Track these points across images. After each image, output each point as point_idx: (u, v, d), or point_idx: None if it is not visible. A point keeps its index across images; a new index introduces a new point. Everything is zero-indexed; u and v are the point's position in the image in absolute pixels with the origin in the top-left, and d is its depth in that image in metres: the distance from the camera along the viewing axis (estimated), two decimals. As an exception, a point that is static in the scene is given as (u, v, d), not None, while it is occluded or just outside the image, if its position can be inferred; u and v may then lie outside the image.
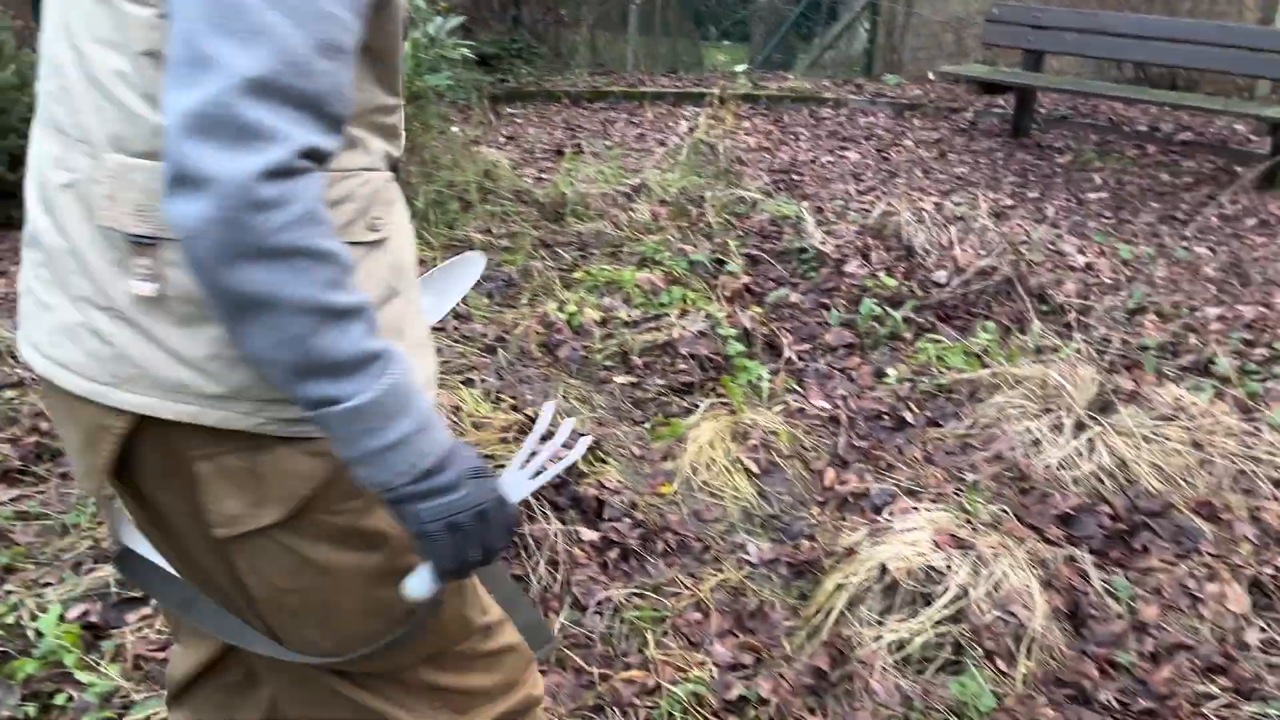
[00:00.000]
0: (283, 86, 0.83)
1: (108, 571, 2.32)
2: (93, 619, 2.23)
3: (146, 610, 2.25)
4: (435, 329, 3.59)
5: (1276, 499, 2.74)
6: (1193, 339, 3.91)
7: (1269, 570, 2.48)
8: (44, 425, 3.03)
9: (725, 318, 3.47)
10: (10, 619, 2.20)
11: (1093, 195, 6.17)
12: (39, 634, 2.16)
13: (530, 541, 2.44)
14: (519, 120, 7.53)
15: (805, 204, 5.20)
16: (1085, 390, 2.98)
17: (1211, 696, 2.11)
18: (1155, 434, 2.88)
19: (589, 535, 2.45)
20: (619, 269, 4.00)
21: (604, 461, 2.76)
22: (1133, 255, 4.92)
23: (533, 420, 2.81)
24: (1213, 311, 4.21)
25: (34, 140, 1.06)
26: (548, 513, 2.50)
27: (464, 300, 3.72)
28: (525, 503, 2.52)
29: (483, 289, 3.88)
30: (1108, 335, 3.80)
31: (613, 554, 2.44)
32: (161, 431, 1.02)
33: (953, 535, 2.35)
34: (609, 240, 4.32)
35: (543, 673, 2.17)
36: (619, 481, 2.67)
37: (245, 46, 0.81)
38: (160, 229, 0.94)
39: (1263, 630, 2.31)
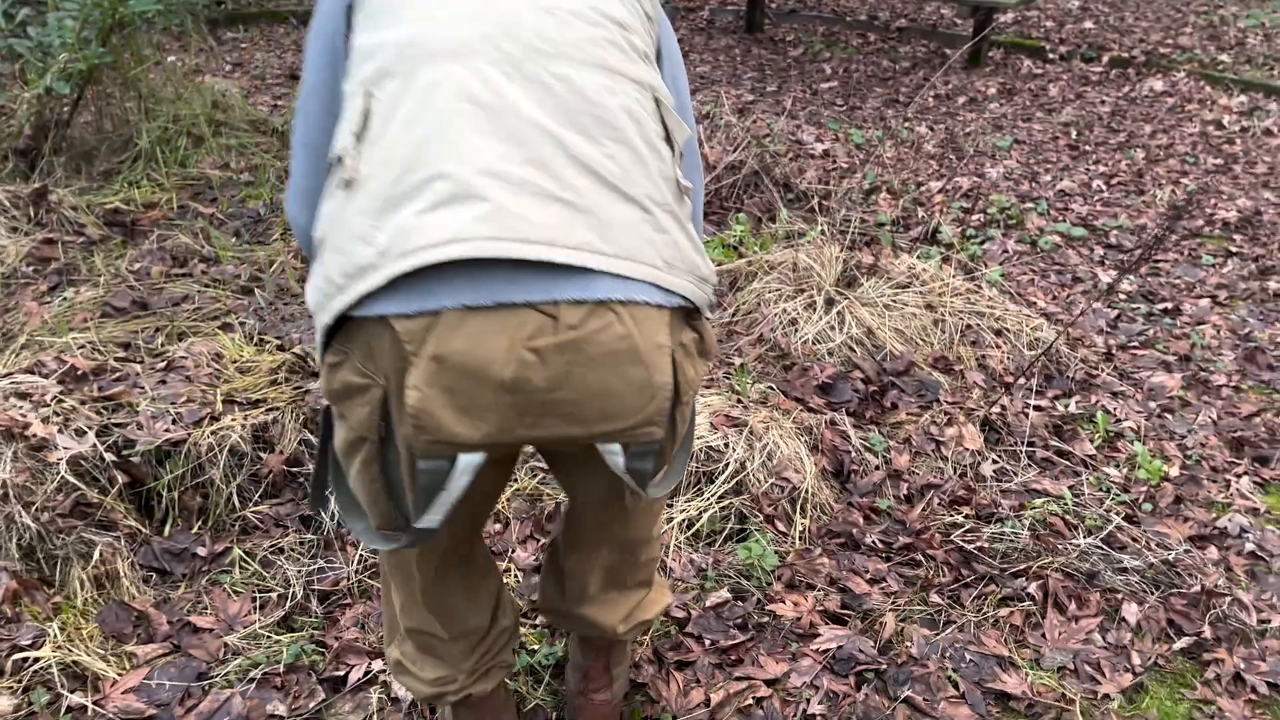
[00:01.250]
0: None
1: None
2: None
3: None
4: (183, 274, 3.35)
5: (997, 346, 3.09)
6: (920, 212, 4.27)
7: (996, 410, 2.81)
8: None
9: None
10: None
11: (825, 85, 6.52)
12: None
13: (317, 479, 2.39)
14: (244, 45, 7.01)
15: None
16: (831, 269, 3.21)
17: (958, 525, 2.39)
18: (894, 301, 3.15)
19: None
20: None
21: (384, 390, 2.72)
22: (864, 139, 5.27)
23: (302, 359, 2.72)
24: (935, 185, 4.61)
25: (556, 76, 1.19)
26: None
27: (209, 241, 3.51)
28: (307, 442, 2.46)
29: (229, 227, 3.66)
30: (848, 215, 4.08)
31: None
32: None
33: (727, 415, 2.50)
34: (360, 165, 4.16)
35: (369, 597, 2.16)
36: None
37: None
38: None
39: (995, 462, 2.63)
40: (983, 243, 4.04)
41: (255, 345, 2.82)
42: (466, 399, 1.13)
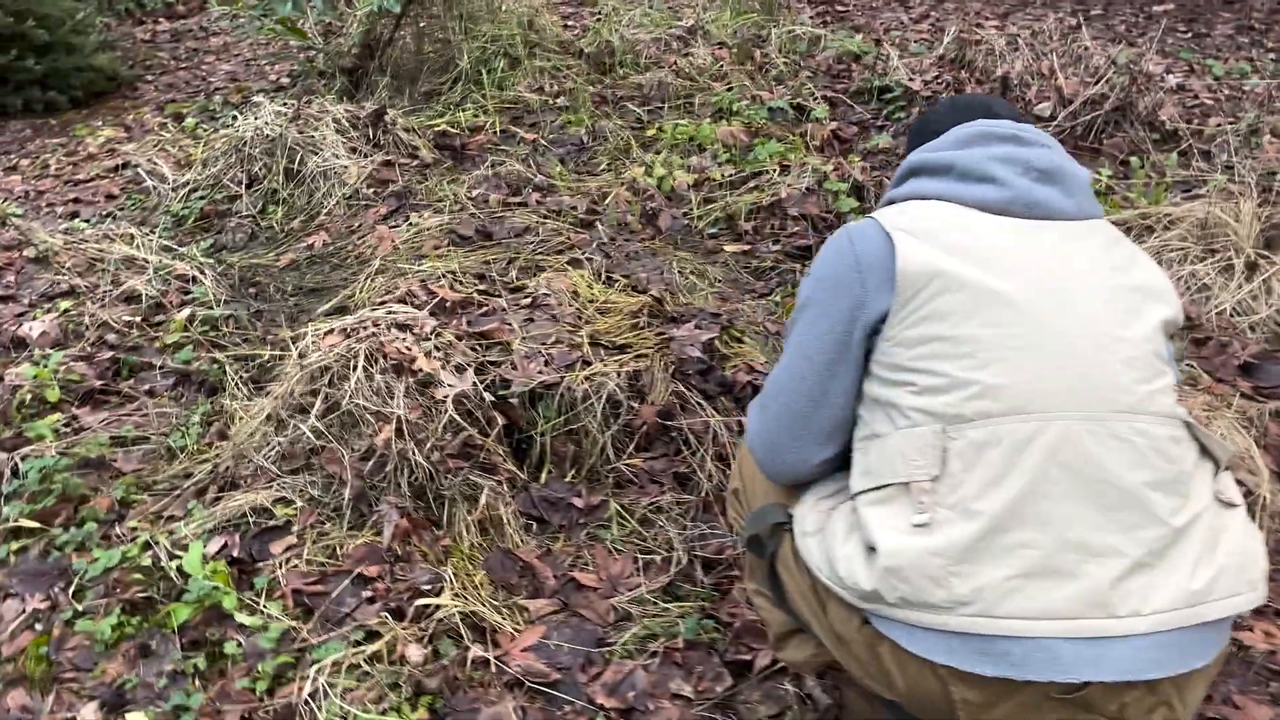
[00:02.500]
0: None
1: (241, 499, 2.11)
2: (234, 553, 2.04)
3: (291, 539, 2.06)
4: (518, 203, 3.25)
5: None
6: (1317, 160, 3.65)
7: None
8: (110, 338, 2.78)
9: (832, 171, 3.18)
10: (145, 560, 2.00)
11: (1158, 8, 5.77)
12: (183, 574, 1.96)
13: (690, 437, 2.24)
14: (526, -37, 6.95)
15: (860, 36, 4.82)
16: (1249, 227, 2.74)
17: None
18: (1329, 270, 2.66)
19: (755, 424, 2.25)
20: (695, 123, 3.68)
21: (740, 341, 2.54)
22: (1225, 72, 4.59)
23: (658, 302, 2.57)
24: (1326, 127, 3.94)
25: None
26: (701, 403, 2.30)
27: (540, 169, 3.42)
28: (677, 394, 2.31)
29: (553, 154, 3.56)
30: (1229, 162, 3.53)
31: (782, 443, 2.24)
32: None
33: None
34: (675, 91, 3.97)
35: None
36: (764, 362, 2.45)
37: None
38: None
39: None
40: (1402, 199, 3.40)
41: (604, 283, 2.69)
42: None
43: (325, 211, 3.32)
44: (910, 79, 3.90)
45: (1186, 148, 3.65)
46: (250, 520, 2.09)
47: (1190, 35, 5.25)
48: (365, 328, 2.28)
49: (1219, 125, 3.92)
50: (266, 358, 2.66)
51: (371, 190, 3.34)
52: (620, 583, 2.02)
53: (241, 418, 2.37)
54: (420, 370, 2.18)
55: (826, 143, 3.62)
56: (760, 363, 2.43)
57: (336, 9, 4.24)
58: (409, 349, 2.21)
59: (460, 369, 2.24)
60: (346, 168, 3.39)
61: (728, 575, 2.02)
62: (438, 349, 2.26)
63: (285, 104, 3.69)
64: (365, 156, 3.45)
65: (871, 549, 1.23)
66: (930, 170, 1.42)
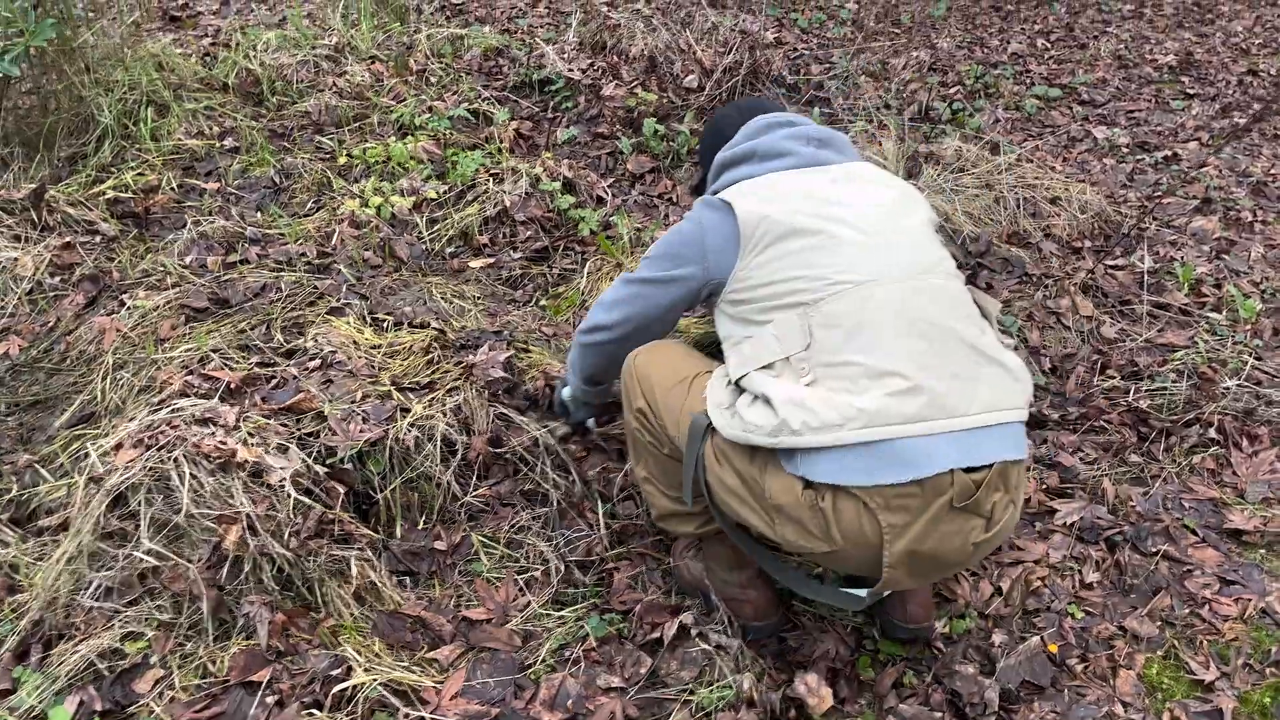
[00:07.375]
0: None
1: (79, 649, 1.93)
2: (97, 707, 1.88)
3: (155, 672, 1.93)
4: (239, 261, 3.12)
5: (1057, 215, 3.29)
6: (894, 87, 4.40)
7: (1085, 275, 3.01)
8: None
9: (544, 173, 3.35)
10: (-2, 751, 1.79)
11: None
12: (53, 751, 1.79)
13: (523, 454, 2.36)
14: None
15: (488, 29, 4.99)
16: (895, 162, 3.30)
17: (1117, 388, 2.60)
18: (958, 186, 3.29)
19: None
20: (383, 143, 3.67)
21: (528, 351, 2.67)
22: (808, 24, 5.31)
23: (441, 333, 2.63)
24: (897, 61, 4.73)
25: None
26: (522, 421, 2.42)
27: (245, 220, 3.27)
28: (500, 417, 2.42)
29: (249, 202, 3.40)
30: (847, 105, 4.16)
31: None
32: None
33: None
34: (347, 114, 3.91)
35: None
36: (559, 368, 2.61)
37: None
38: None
39: (1112, 324, 2.85)
40: (971, 115, 4.22)
41: (371, 325, 2.70)
42: (917, 571, 1.61)
43: (7, 314, 2.95)
44: (569, 70, 4.15)
45: (810, 98, 4.24)
46: (101, 666, 1.93)
47: (769, -8, 5.97)
48: (162, 432, 2.14)
49: (820, 73, 4.58)
50: (16, 491, 2.38)
51: (57, 279, 3.02)
52: (510, 607, 2.12)
53: (30, 563, 2.14)
54: (246, 461, 2.10)
55: (514, 144, 3.78)
56: (556, 368, 2.59)
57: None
58: (225, 443, 2.12)
59: (283, 448, 2.18)
60: (17, 259, 3.03)
61: (604, 570, 2.19)
62: (251, 435, 2.18)
63: (-95, 200, 3.18)
64: (34, 243, 3.10)
65: (768, 401, 1.60)
66: (736, 161, 1.87)
